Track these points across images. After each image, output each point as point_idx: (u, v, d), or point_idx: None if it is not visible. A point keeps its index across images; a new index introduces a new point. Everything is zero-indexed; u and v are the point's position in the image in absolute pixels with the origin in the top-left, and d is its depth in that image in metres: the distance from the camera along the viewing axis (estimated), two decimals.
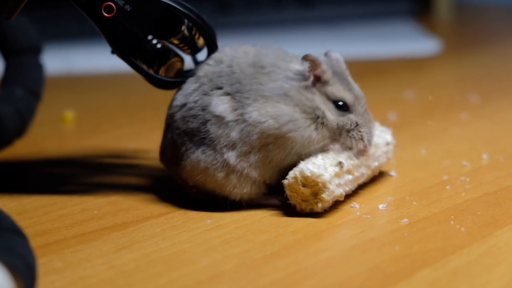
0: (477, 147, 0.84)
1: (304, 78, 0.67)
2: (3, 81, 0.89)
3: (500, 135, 0.90)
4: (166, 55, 0.70)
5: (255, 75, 0.67)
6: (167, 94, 0.72)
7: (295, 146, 0.66)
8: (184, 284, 0.55)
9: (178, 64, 0.71)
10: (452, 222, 0.64)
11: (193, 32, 0.70)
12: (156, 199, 0.71)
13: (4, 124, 0.82)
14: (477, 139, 0.89)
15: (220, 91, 0.67)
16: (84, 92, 1.24)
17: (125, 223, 0.66)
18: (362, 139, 0.68)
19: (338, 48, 0.73)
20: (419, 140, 0.88)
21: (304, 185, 0.65)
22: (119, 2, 0.68)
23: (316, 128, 0.67)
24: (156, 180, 0.77)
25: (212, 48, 0.70)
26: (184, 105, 0.68)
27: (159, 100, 0.80)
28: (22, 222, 0.59)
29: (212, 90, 0.68)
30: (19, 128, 0.85)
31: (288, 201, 0.67)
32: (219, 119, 0.67)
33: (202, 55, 0.72)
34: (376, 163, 0.71)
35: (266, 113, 0.66)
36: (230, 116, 0.66)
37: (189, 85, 0.69)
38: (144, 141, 0.92)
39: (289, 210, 0.67)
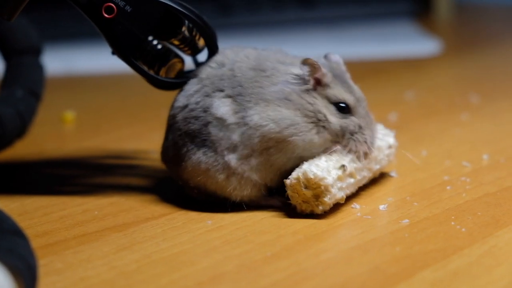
0: (478, 147, 0.84)
1: (305, 82, 0.67)
2: (3, 82, 0.89)
3: (500, 136, 0.90)
4: (166, 56, 0.70)
5: (256, 79, 0.67)
6: (168, 94, 0.72)
7: (297, 150, 0.66)
8: (184, 285, 0.55)
9: (179, 65, 0.71)
10: (452, 223, 0.64)
11: (194, 33, 0.70)
12: (157, 200, 0.71)
13: (5, 125, 0.82)
14: (478, 139, 0.89)
15: (221, 93, 0.67)
16: (84, 92, 1.24)
17: (125, 224, 0.66)
18: (365, 142, 0.67)
19: (338, 49, 0.73)
20: (420, 140, 0.88)
21: (306, 187, 0.65)
22: (119, 3, 0.68)
23: (318, 132, 0.67)
24: (156, 181, 0.77)
25: (213, 49, 0.70)
26: (185, 106, 0.69)
27: (160, 101, 0.80)
28: (22, 223, 0.60)
29: (214, 92, 0.68)
30: (20, 129, 0.85)
31: (289, 201, 0.67)
32: (221, 121, 0.67)
33: (202, 56, 0.72)
34: (377, 166, 0.71)
35: (267, 116, 0.66)
36: (231, 119, 0.66)
37: (191, 86, 0.69)
38: (145, 141, 0.92)
39: (290, 211, 0.67)
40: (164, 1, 0.68)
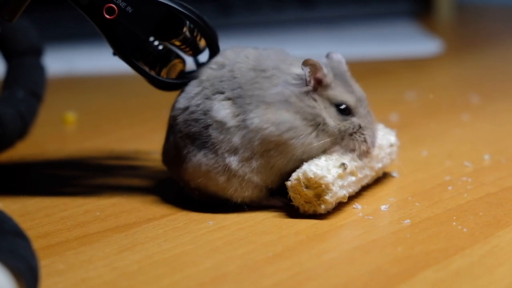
0: (479, 147, 0.84)
1: (305, 82, 0.67)
2: (5, 83, 0.89)
3: (501, 136, 0.90)
4: (167, 57, 0.70)
5: (256, 79, 0.67)
6: (169, 95, 0.72)
7: (296, 153, 0.66)
8: (186, 286, 0.55)
9: (180, 66, 0.71)
10: (454, 223, 0.64)
11: (195, 34, 0.70)
12: (158, 201, 0.71)
13: (6, 126, 0.82)
14: (479, 139, 0.89)
15: (221, 96, 0.67)
16: (85, 93, 1.24)
17: (127, 225, 0.66)
18: (365, 141, 0.67)
19: (339, 49, 0.73)
20: (421, 141, 0.88)
21: (307, 187, 0.65)
22: (120, 4, 0.68)
23: (317, 136, 0.66)
24: (158, 182, 0.77)
25: (214, 49, 0.70)
26: (186, 108, 0.68)
27: (161, 102, 0.80)
28: (24, 224, 0.59)
29: (214, 95, 0.68)
30: (21, 130, 0.85)
31: (291, 203, 0.67)
32: (221, 124, 0.67)
33: (203, 57, 0.72)
34: (379, 165, 0.71)
35: (268, 119, 0.66)
36: (231, 122, 0.66)
37: (192, 88, 0.69)
38: (146, 142, 0.92)
39: (292, 211, 0.67)
40: (165, 1, 0.68)
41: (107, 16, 0.68)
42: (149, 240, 0.63)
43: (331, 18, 1.64)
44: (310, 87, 0.66)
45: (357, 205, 0.68)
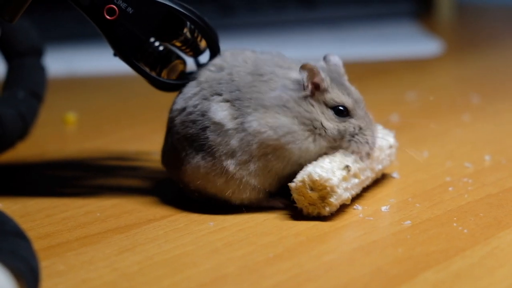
0: (479, 148, 0.84)
1: (303, 87, 0.66)
2: (5, 84, 0.89)
3: (502, 136, 0.90)
4: (168, 57, 0.70)
5: (254, 83, 0.67)
6: (169, 96, 0.72)
7: (293, 157, 0.66)
8: (187, 287, 0.55)
9: (181, 66, 0.71)
10: (454, 224, 0.64)
11: (195, 35, 0.70)
12: (159, 202, 0.71)
13: (6, 127, 0.82)
14: (479, 140, 0.89)
15: (219, 97, 0.67)
16: (86, 94, 1.24)
17: (128, 226, 0.66)
18: (367, 142, 0.67)
19: (340, 49, 0.73)
20: (421, 142, 0.88)
21: (312, 189, 0.65)
22: (121, 5, 0.68)
23: (314, 140, 0.66)
24: (158, 183, 0.77)
25: (215, 50, 0.70)
26: (183, 109, 0.68)
27: (161, 102, 0.80)
28: (24, 224, 0.59)
29: (212, 96, 0.67)
30: (21, 131, 0.85)
31: (295, 204, 0.67)
32: (219, 126, 0.66)
33: (204, 57, 0.72)
34: (380, 166, 0.71)
35: (266, 123, 0.65)
36: (229, 124, 0.66)
37: (190, 89, 0.69)
38: (146, 143, 0.92)
39: (292, 212, 0.67)
40: (165, 2, 0.68)
41: (108, 17, 0.68)
42: (149, 241, 0.63)
43: (332, 18, 1.63)
44: (308, 92, 0.66)
45: (357, 206, 0.68)
